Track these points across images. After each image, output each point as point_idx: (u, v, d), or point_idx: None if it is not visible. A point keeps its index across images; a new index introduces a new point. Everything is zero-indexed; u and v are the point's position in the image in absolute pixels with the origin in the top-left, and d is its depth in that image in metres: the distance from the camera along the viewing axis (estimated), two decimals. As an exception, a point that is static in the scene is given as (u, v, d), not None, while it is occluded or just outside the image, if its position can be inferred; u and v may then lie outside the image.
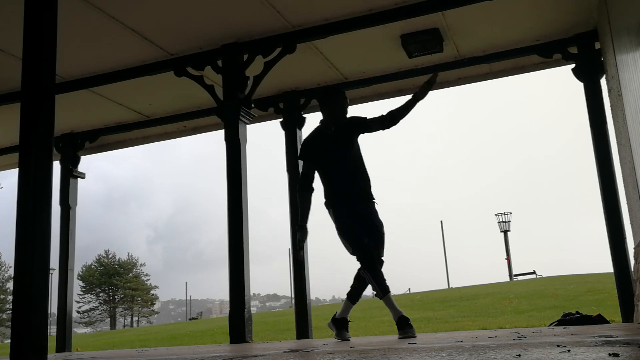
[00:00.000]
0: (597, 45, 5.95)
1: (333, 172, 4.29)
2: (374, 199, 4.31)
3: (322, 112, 4.40)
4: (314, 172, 4.35)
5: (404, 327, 3.94)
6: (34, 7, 3.30)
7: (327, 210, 4.32)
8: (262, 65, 5.80)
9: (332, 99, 4.35)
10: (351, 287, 4.25)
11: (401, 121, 4.24)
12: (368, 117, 4.30)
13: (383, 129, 4.27)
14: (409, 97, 4.21)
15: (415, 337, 3.89)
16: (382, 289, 4.02)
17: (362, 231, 4.16)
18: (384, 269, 4.13)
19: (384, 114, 4.24)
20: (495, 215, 34.49)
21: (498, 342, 2.73)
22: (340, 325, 4.25)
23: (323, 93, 4.46)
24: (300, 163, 4.46)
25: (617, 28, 4.85)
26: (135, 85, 6.62)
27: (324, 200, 4.32)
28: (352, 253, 4.16)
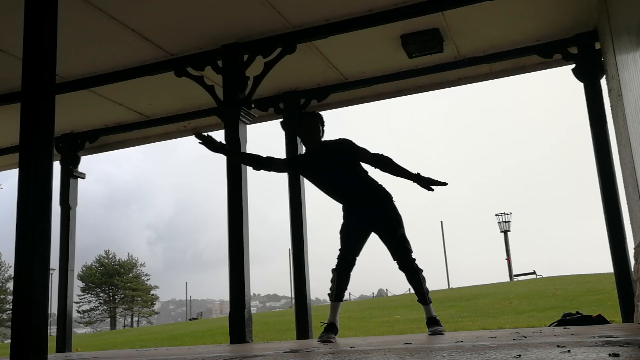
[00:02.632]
0: (597, 46, 5.95)
1: (326, 190, 4.40)
2: (386, 198, 4.32)
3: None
4: (276, 169, 4.43)
5: (328, 332, 4.20)
6: (34, 7, 3.30)
7: (391, 201, 4.39)
8: (262, 66, 5.80)
9: (299, 127, 4.46)
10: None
11: (385, 173, 4.28)
12: (360, 147, 4.33)
13: (372, 166, 4.31)
14: (413, 171, 4.20)
15: (333, 342, 4.09)
16: (336, 295, 4.30)
17: (352, 238, 4.32)
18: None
19: (382, 154, 4.27)
20: (495, 215, 34.51)
21: (498, 343, 2.73)
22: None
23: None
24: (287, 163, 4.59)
25: (617, 28, 4.85)
26: (135, 85, 6.62)
27: (384, 190, 4.38)
28: (410, 254, 4.30)
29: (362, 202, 4.30)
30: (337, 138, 4.41)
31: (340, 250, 4.30)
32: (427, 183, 4.13)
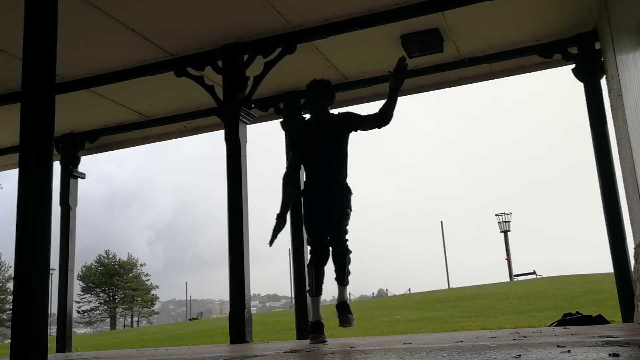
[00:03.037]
0: (597, 46, 5.95)
1: (311, 163, 4.32)
2: (346, 192, 4.26)
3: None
4: (300, 164, 4.39)
5: (317, 331, 4.11)
6: (34, 7, 3.30)
7: (349, 194, 4.31)
8: (262, 66, 5.80)
9: (307, 91, 4.38)
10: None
11: (393, 118, 4.16)
12: (361, 115, 4.24)
13: (379, 127, 4.20)
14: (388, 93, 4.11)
15: (325, 342, 4.02)
16: (316, 290, 4.15)
17: (319, 225, 4.18)
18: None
19: (376, 112, 4.17)
20: (495, 215, 34.51)
21: (498, 343, 2.73)
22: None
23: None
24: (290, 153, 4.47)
25: (617, 28, 4.85)
26: (135, 85, 6.62)
27: (346, 183, 4.31)
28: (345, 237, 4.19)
29: (327, 186, 4.21)
30: (340, 112, 4.35)
31: (310, 243, 4.19)
32: (399, 75, 3.98)
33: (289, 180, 4.38)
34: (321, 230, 4.18)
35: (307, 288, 4.27)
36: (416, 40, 5.91)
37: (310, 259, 4.20)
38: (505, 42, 6.19)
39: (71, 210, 7.93)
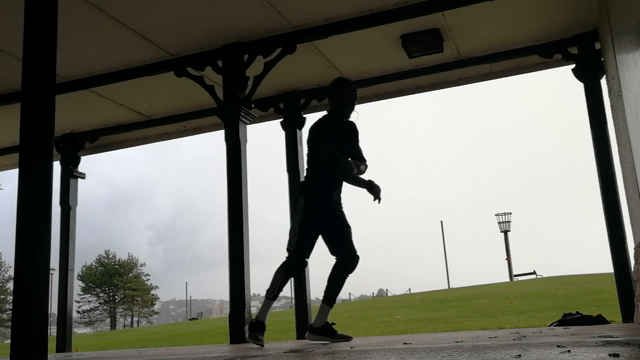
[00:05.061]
0: (597, 46, 5.95)
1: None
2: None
3: (332, 103, 4.23)
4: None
5: (253, 331, 4.07)
6: (34, 7, 3.30)
7: (297, 197, 4.17)
8: (262, 66, 5.80)
9: (341, 91, 4.18)
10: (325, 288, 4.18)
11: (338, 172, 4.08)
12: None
13: (354, 158, 4.17)
14: (363, 179, 4.13)
15: (260, 346, 4.00)
16: (274, 294, 4.09)
17: (313, 238, 4.11)
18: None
19: (364, 158, 4.21)
20: (496, 215, 34.54)
21: (498, 343, 2.74)
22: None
23: (334, 83, 4.25)
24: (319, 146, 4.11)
25: (617, 28, 4.85)
26: (135, 85, 6.62)
27: (300, 184, 4.26)
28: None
29: (337, 193, 4.20)
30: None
31: (296, 250, 4.07)
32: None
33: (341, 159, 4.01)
34: (313, 245, 4.13)
35: (268, 288, 4.13)
36: (416, 40, 5.91)
37: (287, 266, 4.09)
38: (505, 42, 6.19)
39: (71, 211, 7.93)
